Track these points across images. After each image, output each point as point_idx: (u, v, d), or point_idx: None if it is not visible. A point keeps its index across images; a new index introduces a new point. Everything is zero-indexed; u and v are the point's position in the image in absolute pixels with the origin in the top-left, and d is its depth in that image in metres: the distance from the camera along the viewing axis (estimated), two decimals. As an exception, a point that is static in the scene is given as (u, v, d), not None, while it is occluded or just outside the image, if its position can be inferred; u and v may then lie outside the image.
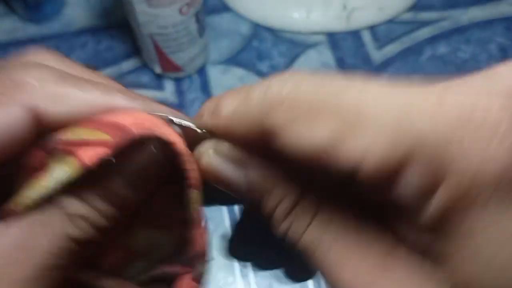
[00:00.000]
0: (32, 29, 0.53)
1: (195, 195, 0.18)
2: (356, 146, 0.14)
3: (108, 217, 0.17)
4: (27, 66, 0.18)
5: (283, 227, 0.16)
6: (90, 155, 0.16)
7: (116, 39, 0.52)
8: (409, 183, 0.14)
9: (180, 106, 0.48)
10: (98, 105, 0.18)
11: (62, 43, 0.52)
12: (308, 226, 0.16)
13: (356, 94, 0.14)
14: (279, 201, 0.16)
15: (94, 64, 0.51)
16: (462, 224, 0.13)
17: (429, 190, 0.14)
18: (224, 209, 0.43)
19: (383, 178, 0.14)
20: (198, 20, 0.45)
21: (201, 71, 0.50)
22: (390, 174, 0.14)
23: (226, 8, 0.55)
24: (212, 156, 0.18)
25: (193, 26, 0.45)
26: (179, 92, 0.49)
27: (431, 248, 0.14)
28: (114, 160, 0.16)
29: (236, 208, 0.43)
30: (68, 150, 0.17)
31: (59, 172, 0.16)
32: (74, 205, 0.17)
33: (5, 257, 0.16)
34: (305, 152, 0.15)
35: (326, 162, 0.15)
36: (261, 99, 0.16)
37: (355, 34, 0.53)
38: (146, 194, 0.18)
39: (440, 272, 0.14)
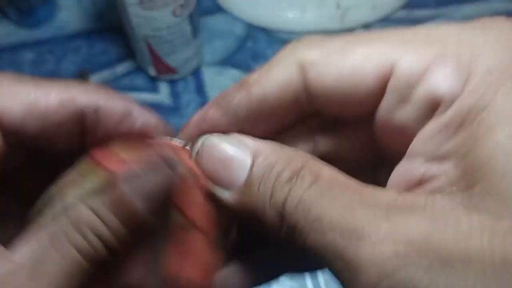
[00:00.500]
0: (25, 34, 0.53)
1: (180, 219, 0.17)
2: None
3: (118, 235, 0.16)
4: None
5: (283, 193, 0.16)
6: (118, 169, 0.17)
7: (110, 42, 0.52)
8: (438, 80, 0.15)
9: (175, 108, 0.48)
10: (55, 100, 0.18)
11: (56, 47, 0.52)
12: (307, 188, 0.15)
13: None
14: (282, 169, 0.16)
15: (88, 67, 0.50)
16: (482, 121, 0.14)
17: (458, 87, 0.14)
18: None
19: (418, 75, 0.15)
20: (192, 21, 0.45)
21: (196, 73, 0.50)
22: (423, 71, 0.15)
23: (219, 9, 0.54)
24: (215, 138, 0.18)
25: (187, 28, 0.45)
26: (174, 94, 0.49)
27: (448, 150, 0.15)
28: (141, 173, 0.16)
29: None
30: (100, 163, 0.17)
31: (88, 183, 0.16)
32: (83, 214, 0.16)
33: (15, 285, 0.15)
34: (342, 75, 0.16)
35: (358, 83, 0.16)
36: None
37: (349, 33, 0.53)
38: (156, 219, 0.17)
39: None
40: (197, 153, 0.18)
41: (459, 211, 0.13)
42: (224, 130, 0.19)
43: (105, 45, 0.52)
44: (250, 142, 0.17)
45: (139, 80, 0.50)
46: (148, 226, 0.17)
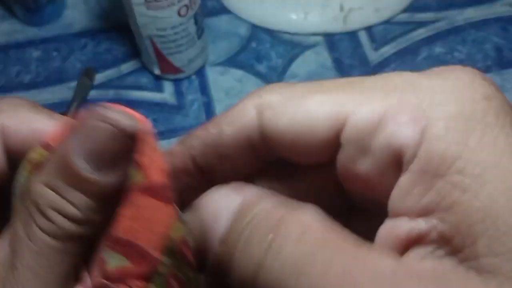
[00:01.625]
0: (31, 32, 0.54)
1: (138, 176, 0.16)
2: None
3: (81, 206, 0.15)
4: (2, 98, 0.18)
5: (262, 247, 0.14)
6: None
7: (116, 41, 0.53)
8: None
9: (179, 107, 0.49)
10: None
11: (62, 45, 0.53)
12: (294, 244, 0.14)
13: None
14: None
15: (94, 66, 0.51)
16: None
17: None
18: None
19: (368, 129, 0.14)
20: (197, 21, 0.46)
21: (200, 73, 0.51)
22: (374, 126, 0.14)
23: (224, 10, 0.55)
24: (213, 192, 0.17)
25: (192, 28, 0.46)
26: (178, 94, 0.50)
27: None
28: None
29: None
30: None
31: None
32: (44, 197, 0.15)
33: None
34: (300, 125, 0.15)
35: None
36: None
37: (352, 35, 0.53)
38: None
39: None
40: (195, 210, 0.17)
41: (470, 276, 0.13)
42: (184, 168, 0.18)
43: (110, 44, 0.53)
44: (243, 193, 0.16)
45: (143, 79, 0.51)
46: (106, 187, 0.16)
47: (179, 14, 0.43)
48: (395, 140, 0.14)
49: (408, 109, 0.14)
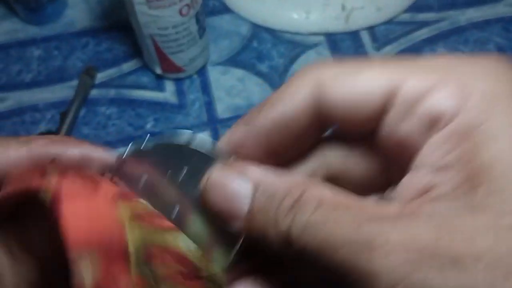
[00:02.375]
0: (33, 31, 0.54)
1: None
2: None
3: None
4: None
5: (286, 220, 0.16)
6: None
7: (117, 40, 0.53)
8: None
9: (180, 106, 0.49)
10: (14, 155, 0.20)
11: (63, 44, 0.53)
12: (312, 213, 0.16)
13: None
14: (284, 196, 0.17)
15: (95, 65, 0.51)
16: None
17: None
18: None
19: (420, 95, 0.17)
20: (198, 21, 0.46)
21: (201, 72, 0.51)
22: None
23: (226, 9, 0.55)
24: (217, 169, 0.19)
25: (193, 27, 0.45)
26: (180, 93, 0.50)
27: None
28: None
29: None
30: None
31: None
32: None
33: None
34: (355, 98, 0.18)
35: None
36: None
37: (354, 35, 0.53)
38: None
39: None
40: (204, 190, 0.19)
41: (464, 213, 0.15)
42: (249, 150, 0.20)
43: (112, 43, 0.53)
44: (252, 173, 0.18)
45: (145, 78, 0.51)
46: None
47: (180, 13, 0.43)
48: (436, 107, 0.16)
49: (451, 84, 0.17)
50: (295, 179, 0.18)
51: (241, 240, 0.19)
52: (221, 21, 0.54)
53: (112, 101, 0.49)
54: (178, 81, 0.50)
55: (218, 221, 0.18)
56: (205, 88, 0.50)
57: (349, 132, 0.20)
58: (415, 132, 0.17)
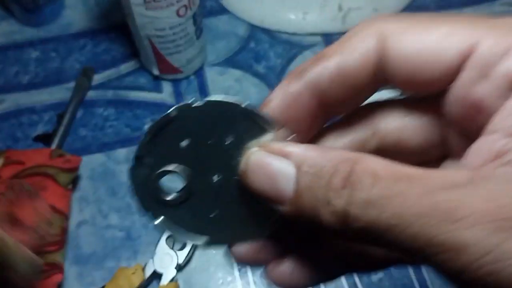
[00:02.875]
0: (30, 32, 0.54)
1: None
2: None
3: None
4: None
5: (341, 199, 0.15)
6: None
7: (115, 41, 0.53)
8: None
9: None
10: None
11: (61, 45, 0.53)
12: (370, 189, 0.15)
13: None
14: (334, 171, 0.16)
15: (93, 66, 0.51)
16: None
17: None
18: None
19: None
20: (196, 22, 0.46)
21: (199, 73, 0.51)
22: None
23: (223, 10, 0.55)
24: (258, 150, 0.18)
25: (191, 28, 0.46)
26: (177, 94, 0.50)
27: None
28: None
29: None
30: None
31: None
32: None
33: None
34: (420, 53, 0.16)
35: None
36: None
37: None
38: None
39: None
40: (244, 172, 0.18)
41: None
42: (304, 104, 0.19)
43: (109, 44, 0.53)
44: (293, 151, 0.17)
45: (142, 79, 0.51)
46: None
47: (178, 14, 0.43)
48: None
49: None
50: (340, 154, 0.16)
51: (276, 220, 0.18)
52: (218, 22, 0.54)
53: (109, 103, 0.49)
54: (175, 82, 0.50)
55: (259, 200, 0.17)
56: (203, 89, 0.50)
57: (409, 94, 0.18)
58: (490, 95, 0.16)
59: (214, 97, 0.18)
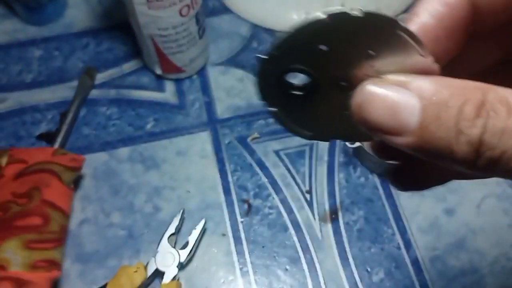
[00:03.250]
0: (33, 31, 0.54)
1: None
2: None
3: None
4: None
5: (474, 129, 0.15)
6: None
7: (117, 40, 0.53)
8: None
9: (180, 107, 0.49)
10: None
11: (63, 44, 0.53)
12: (507, 118, 0.15)
13: None
14: (464, 102, 0.16)
15: (95, 65, 0.51)
16: None
17: None
18: (224, 209, 0.44)
19: None
20: (198, 21, 0.46)
21: (201, 72, 0.51)
22: None
23: (225, 10, 0.55)
24: (372, 86, 0.17)
25: (193, 28, 0.46)
26: (180, 93, 0.50)
27: None
28: None
29: (237, 210, 0.44)
30: None
31: None
32: None
33: None
34: None
35: None
36: None
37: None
38: None
39: None
40: (359, 104, 0.17)
41: None
42: (460, 16, 0.18)
43: (112, 43, 0.53)
44: (413, 82, 0.16)
45: (145, 79, 0.51)
46: None
47: (180, 13, 0.43)
48: None
49: None
50: (467, 83, 0.16)
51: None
52: (221, 22, 0.54)
53: (112, 102, 0.49)
54: (178, 81, 0.50)
55: (373, 133, 0.17)
56: (205, 88, 0.50)
57: None
58: None
59: (368, 8, 0.17)
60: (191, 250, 0.41)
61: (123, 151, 0.47)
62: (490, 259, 0.42)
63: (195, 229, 0.41)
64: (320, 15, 0.17)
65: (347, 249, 0.42)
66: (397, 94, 0.16)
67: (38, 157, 0.42)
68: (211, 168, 0.46)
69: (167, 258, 0.40)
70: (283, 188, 0.45)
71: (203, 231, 0.42)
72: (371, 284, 0.41)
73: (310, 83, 0.19)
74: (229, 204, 0.44)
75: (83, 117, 0.49)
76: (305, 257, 0.42)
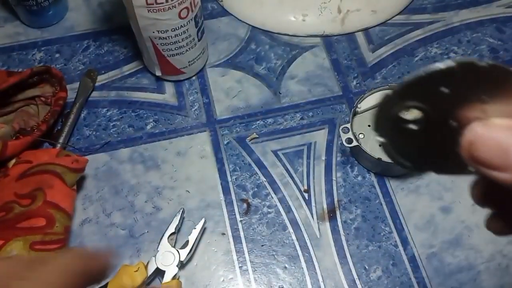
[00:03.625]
0: (34, 34, 0.54)
1: None
2: None
3: None
4: None
5: None
6: None
7: (117, 43, 0.54)
8: None
9: (179, 108, 0.50)
10: None
11: (64, 47, 0.54)
12: None
13: None
14: None
15: (96, 67, 0.52)
16: None
17: None
18: (223, 208, 0.44)
19: None
20: (197, 24, 0.46)
21: (200, 74, 0.52)
22: None
23: (224, 12, 0.56)
24: (483, 128, 0.20)
25: (192, 30, 0.46)
26: (179, 94, 0.51)
27: None
28: None
29: (236, 211, 0.44)
30: None
31: None
32: None
33: None
34: None
35: None
36: None
37: (349, 37, 0.54)
38: None
39: None
40: (470, 141, 0.20)
41: None
42: None
43: (112, 45, 0.54)
44: None
45: (145, 80, 0.51)
46: None
47: (179, 16, 0.44)
48: None
49: None
50: None
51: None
52: (220, 24, 0.55)
53: (112, 103, 0.50)
54: (177, 83, 0.51)
55: (479, 168, 0.19)
56: (204, 89, 0.51)
57: None
58: None
59: (490, 61, 0.20)
60: (191, 249, 0.41)
61: (124, 152, 0.47)
62: (486, 256, 0.42)
63: (195, 228, 0.42)
64: (450, 62, 0.20)
65: (345, 247, 0.43)
66: (506, 135, 0.19)
67: (43, 158, 0.42)
68: (210, 168, 0.46)
69: (167, 257, 0.41)
70: (282, 188, 0.45)
71: (203, 230, 0.43)
72: (368, 281, 0.41)
73: (422, 119, 0.21)
74: (229, 203, 0.45)
75: (84, 118, 0.49)
76: (303, 255, 0.42)
